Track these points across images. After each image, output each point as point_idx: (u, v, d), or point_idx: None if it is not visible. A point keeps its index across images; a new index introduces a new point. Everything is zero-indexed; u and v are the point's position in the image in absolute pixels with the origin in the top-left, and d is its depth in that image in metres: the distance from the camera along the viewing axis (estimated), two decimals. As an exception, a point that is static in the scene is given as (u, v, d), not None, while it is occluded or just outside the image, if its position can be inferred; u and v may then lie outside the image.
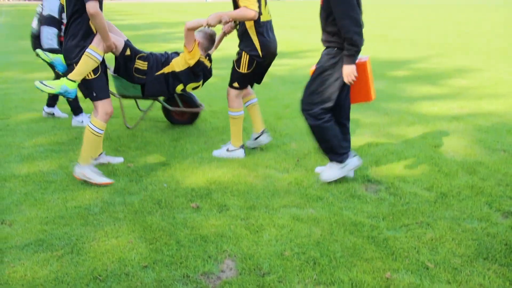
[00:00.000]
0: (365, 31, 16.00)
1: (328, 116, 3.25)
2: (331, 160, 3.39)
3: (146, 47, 11.64)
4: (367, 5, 43.84)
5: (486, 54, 9.97)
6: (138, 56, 3.99)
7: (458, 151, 4.10)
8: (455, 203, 3.14)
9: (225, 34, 4.03)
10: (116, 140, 4.50)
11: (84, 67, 3.26)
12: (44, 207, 3.10)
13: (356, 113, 5.39)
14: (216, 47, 4.28)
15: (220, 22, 3.50)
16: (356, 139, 4.44)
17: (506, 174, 3.58)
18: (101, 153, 3.83)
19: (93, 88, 3.32)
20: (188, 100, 4.81)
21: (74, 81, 3.27)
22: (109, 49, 3.38)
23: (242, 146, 4.03)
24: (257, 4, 3.50)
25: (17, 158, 3.99)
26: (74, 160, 3.91)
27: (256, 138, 4.17)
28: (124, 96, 4.48)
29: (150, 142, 4.42)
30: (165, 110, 4.94)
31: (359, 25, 3.00)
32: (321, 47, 11.57)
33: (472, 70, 8.12)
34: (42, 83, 3.27)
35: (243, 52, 3.72)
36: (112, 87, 6.26)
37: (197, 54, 3.98)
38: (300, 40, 13.27)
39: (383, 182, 3.46)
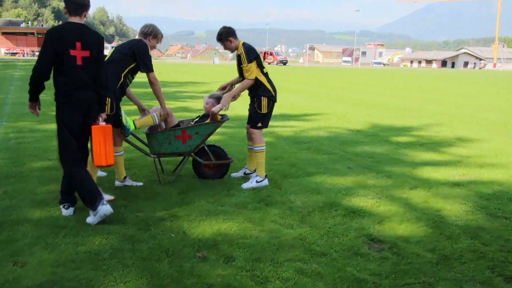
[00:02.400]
0: (368, 98, 16.54)
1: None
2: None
3: (156, 104, 12.07)
4: (376, 74, 45.40)
5: (485, 126, 10.29)
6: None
7: (460, 215, 4.16)
8: (457, 265, 3.18)
9: (232, 85, 5.07)
10: (125, 190, 4.65)
11: (147, 121, 4.71)
12: (56, 251, 3.19)
13: (360, 175, 5.54)
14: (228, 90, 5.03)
15: (233, 99, 4.77)
16: (360, 200, 4.54)
17: (508, 240, 3.60)
18: (125, 177, 4.75)
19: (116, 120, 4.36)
20: (219, 153, 5.06)
21: (134, 126, 4.64)
22: (164, 116, 4.71)
23: (266, 176, 4.93)
24: (255, 73, 4.67)
25: (30, 203, 4.12)
26: (85, 208, 4.03)
27: (246, 174, 5.19)
28: (159, 154, 4.78)
29: (159, 194, 4.55)
30: (195, 164, 5.12)
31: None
32: (325, 111, 11.98)
33: (472, 140, 8.33)
34: (125, 113, 4.56)
35: (262, 97, 4.77)
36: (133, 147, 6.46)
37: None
38: (304, 104, 13.73)
39: (386, 242, 3.53)
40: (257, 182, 4.87)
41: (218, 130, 8.53)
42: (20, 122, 8.60)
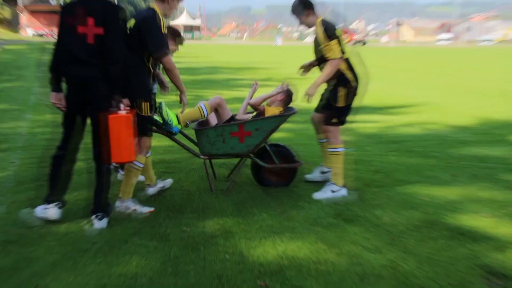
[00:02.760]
0: (478, 85, 15.78)
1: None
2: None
3: (205, 94, 12.23)
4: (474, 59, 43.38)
5: None
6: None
7: None
8: None
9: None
10: (169, 199, 4.67)
11: (193, 114, 4.74)
12: (83, 273, 3.22)
13: (469, 185, 5.22)
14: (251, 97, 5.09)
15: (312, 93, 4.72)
16: (470, 218, 4.27)
17: None
18: (157, 181, 4.86)
19: (147, 124, 4.27)
20: (285, 155, 5.01)
21: (179, 122, 4.68)
22: (213, 107, 4.86)
23: (344, 185, 4.84)
24: (339, 49, 4.63)
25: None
26: (119, 219, 4.07)
27: (323, 172, 5.23)
28: (211, 156, 4.81)
29: (209, 205, 4.54)
30: (255, 170, 5.09)
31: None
32: (418, 101, 11.51)
33: None
34: (166, 106, 4.60)
35: (339, 88, 4.75)
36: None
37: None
38: (391, 93, 13.32)
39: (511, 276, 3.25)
40: (332, 192, 4.81)
41: (282, 126, 8.43)
42: (47, 114, 9.01)
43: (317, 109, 5.13)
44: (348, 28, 70.02)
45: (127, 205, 4.28)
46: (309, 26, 4.83)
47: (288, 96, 5.13)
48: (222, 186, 5.10)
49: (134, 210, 4.26)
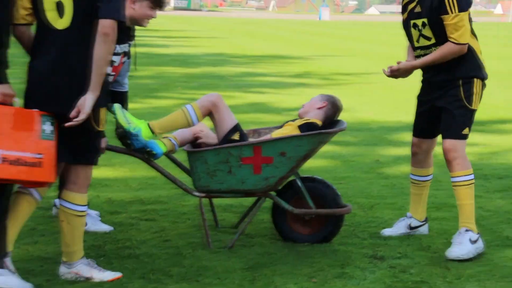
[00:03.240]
0: None
1: None
2: None
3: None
4: None
5: None
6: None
7: None
8: None
9: None
10: (147, 258, 4.83)
11: (174, 121, 4.92)
12: None
13: None
14: None
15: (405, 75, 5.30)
16: None
17: None
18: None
19: (99, 144, 4.40)
20: (324, 194, 5.13)
21: (153, 133, 4.79)
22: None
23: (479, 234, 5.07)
24: (469, 31, 4.97)
25: None
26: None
27: (413, 227, 5.45)
28: (210, 193, 4.97)
29: (207, 268, 4.67)
30: (277, 216, 5.21)
31: None
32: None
33: None
34: (123, 110, 4.76)
35: (474, 79, 5.04)
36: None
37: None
38: (499, 99, 13.36)
39: None
40: (472, 242, 4.99)
41: (322, 149, 8.59)
42: None
43: (422, 130, 5.36)
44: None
45: (78, 270, 4.34)
46: None
47: (332, 103, 5.30)
48: (226, 238, 5.24)
49: (91, 277, 4.36)
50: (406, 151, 8.45)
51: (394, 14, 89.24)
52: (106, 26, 3.95)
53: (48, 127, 4.11)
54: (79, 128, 4.04)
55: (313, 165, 7.65)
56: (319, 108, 5.25)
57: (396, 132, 9.73)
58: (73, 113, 3.98)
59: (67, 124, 3.97)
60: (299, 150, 4.88)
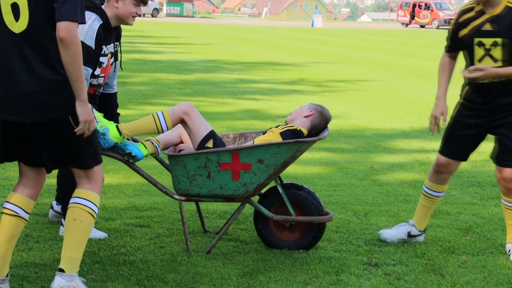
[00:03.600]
0: None
1: None
2: None
3: (199, 104, 12.46)
4: None
5: None
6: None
7: None
8: None
9: None
10: (142, 265, 4.85)
11: (142, 126, 4.98)
12: None
13: None
14: None
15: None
16: None
17: None
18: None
19: (98, 147, 4.33)
20: (304, 202, 5.15)
21: (120, 135, 4.84)
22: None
23: None
24: None
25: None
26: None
27: (411, 235, 5.49)
28: (190, 197, 5.04)
29: (204, 275, 4.69)
30: (258, 221, 5.27)
31: None
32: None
33: None
34: (92, 109, 4.54)
35: None
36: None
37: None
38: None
39: None
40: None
41: (312, 156, 8.60)
42: None
43: (458, 153, 5.38)
44: (430, 0, 69.23)
45: (77, 285, 4.15)
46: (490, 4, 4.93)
47: (320, 113, 5.34)
48: (221, 245, 5.26)
49: None
50: (400, 158, 8.54)
51: (387, 22, 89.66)
52: (62, 29, 3.76)
53: None
54: (62, 136, 4.02)
55: (308, 172, 7.69)
56: (306, 117, 5.30)
57: (390, 139, 9.76)
58: (77, 131, 3.96)
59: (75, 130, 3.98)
60: (277, 158, 4.91)
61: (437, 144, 9.20)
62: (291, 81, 16.97)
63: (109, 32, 5.04)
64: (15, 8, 3.86)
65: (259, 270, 4.81)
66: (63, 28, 3.77)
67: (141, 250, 5.14)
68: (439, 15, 62.69)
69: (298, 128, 5.17)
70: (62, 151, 4.10)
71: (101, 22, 4.92)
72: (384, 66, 21.82)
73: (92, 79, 5.01)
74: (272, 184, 5.21)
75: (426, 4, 63.74)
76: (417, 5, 64.02)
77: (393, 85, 16.54)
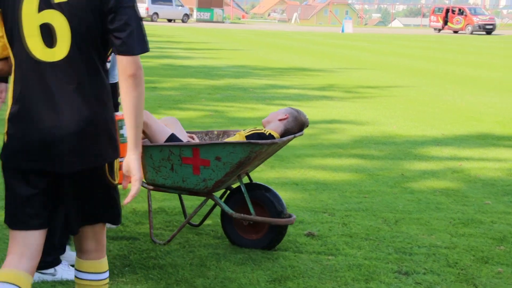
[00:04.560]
0: None
1: None
2: None
3: (227, 109, 12.50)
4: None
5: None
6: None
7: None
8: None
9: None
10: (171, 269, 4.89)
11: None
12: None
13: None
14: None
15: None
16: None
17: None
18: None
19: (119, 200, 3.51)
20: (268, 202, 5.30)
21: None
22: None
23: None
24: None
25: None
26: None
27: None
28: (157, 187, 5.27)
29: (233, 280, 4.74)
30: (225, 219, 5.42)
31: None
32: None
33: None
34: None
35: None
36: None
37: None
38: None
39: None
40: None
41: (347, 162, 8.59)
42: None
43: None
44: (464, 6, 68.74)
45: None
46: None
47: (295, 117, 5.50)
48: (250, 250, 5.28)
49: None
50: (432, 165, 8.50)
51: (419, 27, 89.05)
52: (134, 65, 3.12)
53: (125, 131, 3.95)
54: (96, 186, 3.29)
55: (337, 178, 7.69)
56: (280, 120, 5.43)
57: (422, 146, 9.71)
58: (124, 184, 3.26)
59: (126, 201, 3.20)
60: (232, 157, 5.01)
61: (470, 152, 9.31)
62: (320, 87, 16.94)
63: None
64: (46, 31, 3.11)
65: (287, 277, 4.84)
66: (135, 62, 3.13)
67: (170, 254, 5.19)
68: (473, 21, 62.23)
69: (268, 132, 5.31)
70: (95, 204, 3.33)
71: None
72: (415, 72, 21.71)
73: None
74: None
75: (459, 9, 63.42)
76: (450, 10, 63.70)
77: (425, 91, 16.45)
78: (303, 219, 6.12)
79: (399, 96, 15.48)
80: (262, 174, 7.70)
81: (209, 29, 53.49)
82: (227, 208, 5.23)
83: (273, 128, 5.38)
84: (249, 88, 16.25)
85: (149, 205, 5.42)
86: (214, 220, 6.01)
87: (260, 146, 4.99)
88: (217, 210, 5.72)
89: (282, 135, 5.38)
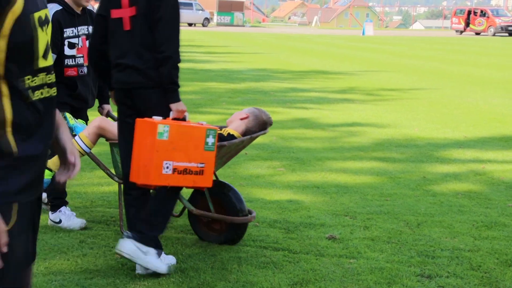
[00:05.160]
0: None
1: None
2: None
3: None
4: None
5: None
6: None
7: None
8: None
9: None
10: (193, 273, 4.90)
11: None
12: None
13: None
14: None
15: None
16: None
17: None
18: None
19: None
20: (227, 200, 5.44)
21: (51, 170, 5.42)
22: None
23: None
24: None
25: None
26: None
27: None
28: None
29: (254, 284, 4.75)
30: (191, 215, 5.64)
31: None
32: None
33: None
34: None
35: None
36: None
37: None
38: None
39: None
40: None
41: (368, 165, 8.57)
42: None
43: None
44: (486, 7, 68.22)
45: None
46: None
47: (256, 116, 5.60)
48: (271, 254, 5.29)
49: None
50: (454, 168, 8.46)
51: (440, 29, 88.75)
52: None
53: (210, 140, 4.77)
54: None
55: (358, 181, 7.68)
56: (241, 119, 5.55)
57: (444, 148, 9.67)
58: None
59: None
60: None
61: (493, 154, 9.26)
62: (341, 90, 16.93)
63: (72, 14, 5.61)
64: None
65: (309, 280, 4.83)
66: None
67: (192, 257, 5.21)
68: (496, 22, 61.86)
69: (227, 133, 5.40)
70: None
71: (59, 8, 5.54)
72: (437, 74, 21.63)
73: (67, 59, 5.63)
74: None
75: (481, 11, 63.05)
76: (472, 12, 63.34)
77: (446, 93, 16.38)
78: (324, 222, 6.12)
79: (421, 98, 15.44)
80: (283, 177, 7.71)
81: (230, 33, 53.61)
82: (188, 205, 5.35)
83: (234, 128, 5.51)
84: (269, 91, 16.27)
85: (120, 199, 5.53)
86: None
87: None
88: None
89: (244, 134, 5.50)
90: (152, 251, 4.73)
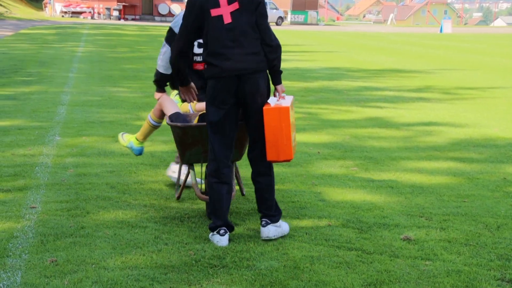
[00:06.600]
0: None
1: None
2: None
3: (320, 111, 12.47)
4: None
5: None
6: None
7: None
8: None
9: None
10: (265, 271, 4.93)
11: (146, 130, 6.67)
12: None
13: None
14: None
15: None
16: None
17: None
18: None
19: None
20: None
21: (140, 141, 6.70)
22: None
23: None
24: None
25: (94, 286, 4.62)
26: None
27: None
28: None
29: (327, 283, 4.74)
30: None
31: None
32: None
33: None
34: (122, 134, 6.86)
35: None
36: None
37: None
38: None
39: None
40: None
41: (445, 165, 8.45)
42: (84, 137, 9.67)
43: None
44: None
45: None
46: None
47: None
48: (344, 254, 5.27)
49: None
50: (536, 169, 8.28)
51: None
52: None
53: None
54: None
55: (434, 182, 7.58)
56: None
57: (525, 149, 9.48)
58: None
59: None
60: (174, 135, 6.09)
61: None
62: (417, 89, 16.74)
63: None
64: None
65: (383, 281, 4.82)
66: None
67: (264, 255, 5.24)
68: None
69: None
70: None
71: None
72: (518, 73, 21.21)
73: (196, 56, 6.57)
74: None
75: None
76: None
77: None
78: (398, 223, 6.07)
79: (501, 97, 15.16)
80: (356, 176, 7.67)
81: (303, 32, 53.56)
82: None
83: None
84: (343, 90, 16.21)
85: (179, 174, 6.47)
86: (308, 222, 6.04)
87: (178, 128, 5.92)
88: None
89: None
90: (282, 222, 5.69)
